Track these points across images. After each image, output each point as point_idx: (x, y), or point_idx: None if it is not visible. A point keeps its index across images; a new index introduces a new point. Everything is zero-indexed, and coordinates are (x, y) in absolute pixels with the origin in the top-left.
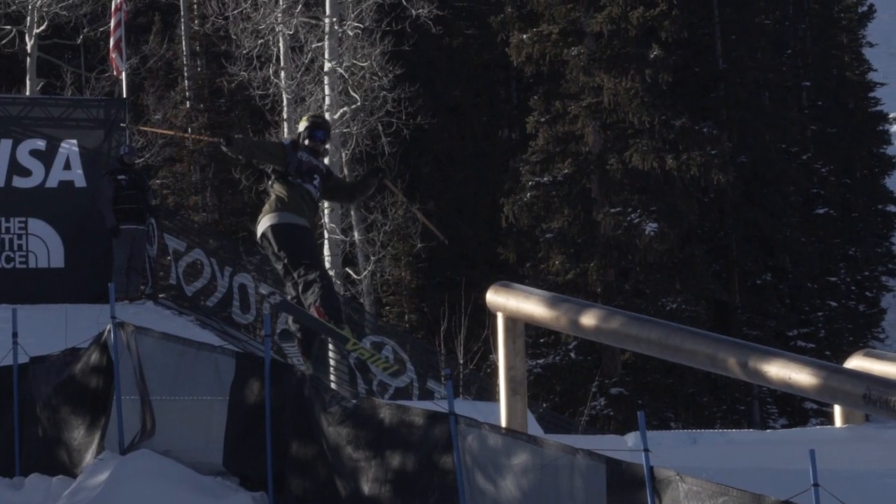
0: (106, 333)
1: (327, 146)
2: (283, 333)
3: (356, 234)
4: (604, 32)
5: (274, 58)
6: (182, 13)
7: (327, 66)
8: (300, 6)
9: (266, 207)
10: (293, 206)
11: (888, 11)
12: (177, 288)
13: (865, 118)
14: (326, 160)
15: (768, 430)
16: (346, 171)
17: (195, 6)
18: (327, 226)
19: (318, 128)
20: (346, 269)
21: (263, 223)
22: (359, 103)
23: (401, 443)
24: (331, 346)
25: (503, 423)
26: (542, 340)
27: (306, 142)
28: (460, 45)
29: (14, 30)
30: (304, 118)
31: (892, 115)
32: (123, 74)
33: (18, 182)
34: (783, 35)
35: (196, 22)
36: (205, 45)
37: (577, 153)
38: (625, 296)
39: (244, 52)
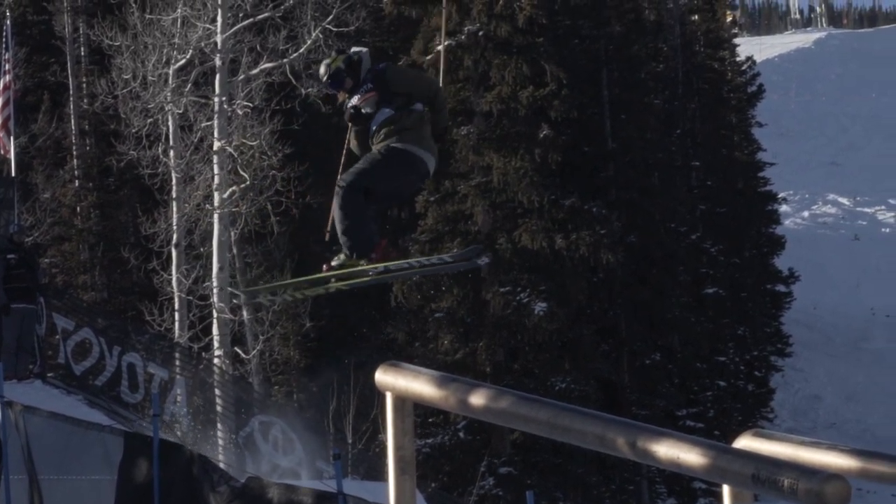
0: None
1: (366, 68)
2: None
3: (245, 313)
4: (493, 112)
5: (163, 137)
6: (71, 92)
7: (216, 145)
8: (190, 85)
9: None
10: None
11: (777, 92)
12: (65, 367)
13: (755, 198)
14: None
15: None
16: (234, 251)
17: (84, 85)
18: (216, 305)
19: (335, 77)
20: (235, 348)
21: None
22: (248, 182)
23: None
24: (219, 426)
25: None
26: (430, 420)
27: (344, 99)
28: None
29: None
30: (322, 68)
31: (780, 195)
32: (12, 153)
33: None
34: (673, 115)
35: (85, 101)
36: (94, 124)
37: (466, 232)
38: (514, 375)
39: (133, 131)
